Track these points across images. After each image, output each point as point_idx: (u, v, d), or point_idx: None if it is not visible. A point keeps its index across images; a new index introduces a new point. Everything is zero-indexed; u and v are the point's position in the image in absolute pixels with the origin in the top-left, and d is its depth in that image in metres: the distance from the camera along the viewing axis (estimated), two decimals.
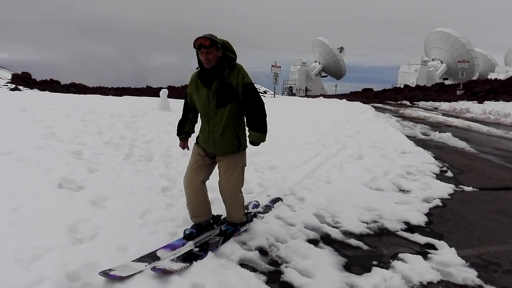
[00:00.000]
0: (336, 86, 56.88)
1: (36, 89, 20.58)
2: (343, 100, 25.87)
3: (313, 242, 3.81)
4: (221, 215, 4.09)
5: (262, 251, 3.54)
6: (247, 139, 3.59)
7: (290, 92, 54.33)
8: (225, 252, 3.44)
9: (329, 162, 7.06)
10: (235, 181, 3.56)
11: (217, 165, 3.68)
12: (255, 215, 4.19)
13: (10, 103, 12.24)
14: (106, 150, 6.70)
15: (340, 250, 3.68)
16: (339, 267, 3.35)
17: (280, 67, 32.54)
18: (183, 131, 3.79)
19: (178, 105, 14.57)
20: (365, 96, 32.55)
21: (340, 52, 58.33)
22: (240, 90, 3.34)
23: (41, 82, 24.93)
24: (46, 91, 20.47)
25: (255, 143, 3.53)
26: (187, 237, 3.56)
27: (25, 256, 2.99)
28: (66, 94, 20.86)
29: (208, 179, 3.69)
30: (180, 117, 3.79)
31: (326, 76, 61.16)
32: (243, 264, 3.30)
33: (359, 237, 4.03)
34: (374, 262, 3.46)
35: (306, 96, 44.21)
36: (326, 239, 3.92)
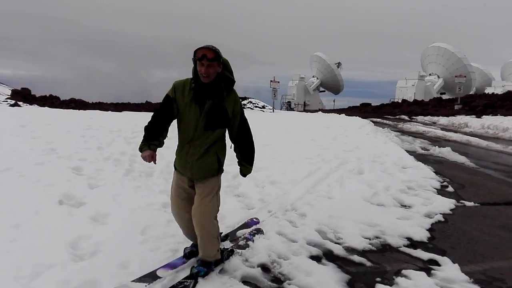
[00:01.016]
0: (334, 101, 57.11)
1: (35, 105, 20.65)
2: (342, 114, 25.97)
3: (316, 258, 3.77)
4: (221, 233, 3.89)
5: (265, 268, 3.51)
6: (239, 168, 3.46)
7: (289, 107, 54.53)
8: (227, 269, 3.41)
9: (330, 177, 7.04)
10: (210, 205, 3.19)
11: None
12: (232, 251, 3.70)
13: (10, 119, 12.26)
14: (106, 165, 6.69)
15: (343, 267, 3.64)
16: (342, 284, 3.32)
17: (278, 82, 32.68)
18: (161, 135, 3.15)
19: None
20: (364, 110, 32.69)
21: (338, 67, 58.76)
22: (238, 119, 3.18)
23: (41, 98, 25.02)
24: (46, 107, 20.53)
25: (246, 174, 3.45)
26: (187, 255, 3.49)
27: (25, 273, 2.97)
28: (66, 109, 20.91)
29: None
30: (150, 121, 3.16)
31: (324, 91, 61.47)
32: (246, 281, 3.26)
33: (362, 253, 3.99)
34: (378, 279, 3.43)
35: (305, 111, 44.39)
36: (329, 256, 3.88)
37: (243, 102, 34.29)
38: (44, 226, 3.88)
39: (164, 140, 3.22)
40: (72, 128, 10.67)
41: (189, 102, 3.02)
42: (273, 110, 31.27)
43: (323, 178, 6.97)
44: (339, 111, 33.02)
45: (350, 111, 32.50)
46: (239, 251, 3.75)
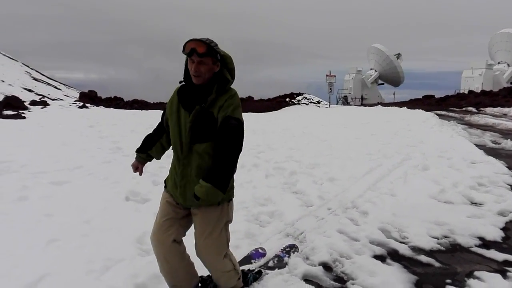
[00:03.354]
0: (394, 94, 54.91)
1: (101, 106, 21.89)
2: (403, 108, 24.89)
3: (380, 258, 3.64)
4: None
5: (326, 267, 3.43)
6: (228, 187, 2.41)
7: (345, 101, 53.31)
8: (288, 266, 3.38)
9: (393, 174, 6.77)
10: (215, 245, 2.52)
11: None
12: (259, 273, 3.17)
13: (79, 120, 13.08)
14: (168, 163, 6.91)
15: (409, 267, 3.48)
16: (409, 285, 3.17)
17: (335, 76, 32.03)
18: (150, 148, 2.77)
19: None
20: (427, 103, 31.11)
21: (398, 59, 56.48)
22: (219, 123, 2.34)
23: (106, 100, 26.47)
24: (111, 108, 21.71)
25: (197, 196, 2.27)
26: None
27: (96, 267, 3.13)
28: (129, 110, 21.98)
29: (183, 235, 2.63)
30: (152, 132, 2.83)
31: (383, 84, 59.38)
32: (307, 279, 3.21)
33: (430, 253, 3.79)
34: (448, 280, 3.24)
35: (362, 105, 43.18)
36: (394, 255, 3.73)
37: (298, 98, 33.95)
38: (113, 222, 4.08)
39: (158, 156, 2.80)
40: (135, 128, 11.19)
41: (176, 108, 2.45)
42: (329, 105, 30.73)
43: (385, 174, 6.72)
44: (400, 104, 31.69)
45: (412, 104, 31.08)
46: (268, 271, 3.24)
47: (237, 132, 2.31)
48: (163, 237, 2.52)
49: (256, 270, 3.18)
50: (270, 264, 3.38)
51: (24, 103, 15.89)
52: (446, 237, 4.16)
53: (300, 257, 3.54)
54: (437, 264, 3.55)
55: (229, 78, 2.43)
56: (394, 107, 27.23)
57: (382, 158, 8.06)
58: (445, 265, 3.53)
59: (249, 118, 16.43)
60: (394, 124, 14.67)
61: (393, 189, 5.78)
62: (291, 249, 3.62)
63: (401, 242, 4.00)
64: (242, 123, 2.37)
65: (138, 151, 2.80)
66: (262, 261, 3.43)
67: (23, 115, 12.36)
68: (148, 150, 2.77)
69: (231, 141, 2.29)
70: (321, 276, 3.25)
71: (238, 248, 3.68)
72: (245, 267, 3.17)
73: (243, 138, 2.35)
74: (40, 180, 5.34)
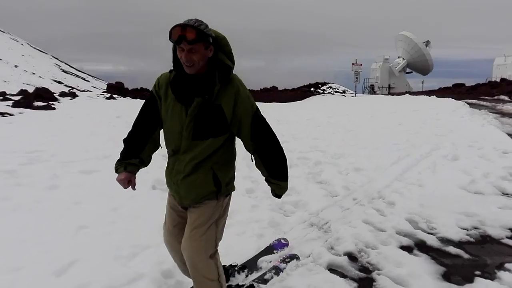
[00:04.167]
0: (423, 82, 53.48)
1: (128, 97, 22.23)
2: (432, 96, 24.22)
3: (407, 249, 3.58)
4: (235, 265, 3.15)
5: (351, 257, 3.40)
6: (270, 188, 2.47)
7: (372, 90, 52.35)
8: (311, 253, 3.37)
9: (421, 164, 6.62)
10: (203, 239, 2.26)
11: None
12: (251, 287, 2.88)
13: (107, 110, 13.34)
14: None
15: (437, 258, 3.41)
16: (437, 276, 3.11)
17: (361, 64, 31.40)
18: (136, 154, 2.35)
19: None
20: (457, 92, 30.14)
21: (426, 46, 54.88)
22: (247, 123, 2.20)
23: (132, 91, 26.86)
24: (138, 99, 22.05)
25: (280, 195, 2.47)
26: None
27: (124, 253, 3.20)
28: None
29: None
30: (130, 130, 2.40)
31: (411, 72, 57.92)
32: (332, 269, 3.19)
33: (459, 244, 3.70)
34: (477, 272, 3.16)
35: (390, 94, 42.33)
36: (421, 246, 3.66)
37: (322, 88, 33.55)
38: (140, 209, 4.16)
39: (151, 156, 2.43)
40: None
41: (172, 101, 2.19)
42: (355, 95, 30.24)
43: (413, 164, 6.57)
44: (429, 93, 30.85)
45: (441, 92, 30.20)
46: (262, 285, 2.94)
47: (266, 122, 2.29)
48: (175, 243, 2.42)
49: (248, 284, 2.90)
50: (267, 276, 3.03)
51: (54, 94, 16.31)
52: (476, 228, 4.05)
53: (324, 247, 3.52)
54: (466, 256, 3.47)
55: (229, 64, 2.18)
56: (422, 96, 26.55)
57: (410, 148, 7.88)
58: (475, 257, 3.45)
59: (273, 108, 16.38)
60: (422, 113, 14.30)
61: (421, 180, 5.66)
62: (291, 259, 3.27)
63: (429, 233, 3.92)
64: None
65: (126, 157, 2.33)
66: (277, 256, 3.27)
67: (53, 106, 12.69)
68: (139, 153, 2.34)
69: (271, 135, 2.28)
70: (346, 266, 3.23)
71: (262, 237, 3.69)
72: (234, 282, 2.93)
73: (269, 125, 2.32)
74: (70, 169, 5.49)
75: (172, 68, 2.22)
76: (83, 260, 3.05)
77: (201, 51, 2.03)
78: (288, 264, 3.19)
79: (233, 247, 3.41)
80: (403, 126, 11.08)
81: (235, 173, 2.44)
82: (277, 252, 3.33)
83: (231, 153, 2.35)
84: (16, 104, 12.04)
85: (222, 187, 2.29)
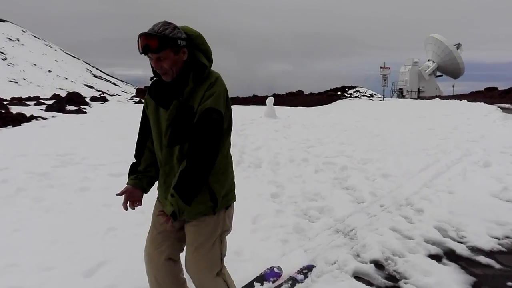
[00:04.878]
0: (453, 86, 52.05)
1: None
2: (463, 101, 23.54)
3: (435, 257, 3.51)
4: None
5: (378, 265, 3.35)
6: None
7: (400, 94, 51.36)
8: (336, 260, 3.33)
9: (451, 170, 6.44)
10: (206, 259, 2.11)
11: None
12: None
13: (136, 114, 13.60)
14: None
15: (467, 268, 3.33)
16: (466, 286, 3.05)
17: (389, 68, 30.90)
18: (135, 166, 2.24)
19: (283, 112, 14.78)
20: (489, 96, 29.21)
21: (457, 49, 53.43)
22: (196, 118, 1.94)
23: None
24: None
25: (169, 211, 1.94)
26: None
27: None
28: None
29: (180, 251, 2.28)
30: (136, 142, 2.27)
31: (441, 76, 56.49)
32: (358, 277, 3.16)
33: (490, 254, 3.60)
34: (509, 283, 3.08)
35: (419, 98, 41.43)
36: (450, 255, 3.57)
37: (349, 92, 33.17)
38: None
39: (153, 165, 2.21)
40: None
41: (153, 107, 2.08)
42: (383, 98, 29.76)
43: (442, 171, 6.41)
44: (460, 97, 30.01)
45: (473, 96, 29.33)
46: None
47: (216, 127, 1.94)
48: (154, 253, 2.19)
49: None
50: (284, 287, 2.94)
51: (85, 99, 16.82)
52: (508, 237, 3.95)
53: (350, 254, 3.48)
54: (497, 266, 3.37)
55: (205, 62, 2.00)
56: (453, 100, 25.87)
57: (440, 154, 7.69)
58: (507, 267, 3.35)
59: (299, 112, 16.32)
60: (453, 118, 13.93)
61: (451, 186, 5.52)
62: (308, 270, 3.15)
63: (458, 242, 3.83)
64: (223, 116, 1.98)
65: (130, 171, 2.24)
66: (276, 284, 2.99)
67: (84, 110, 13.07)
68: (138, 166, 2.22)
69: (208, 138, 1.91)
70: (372, 274, 3.18)
71: (287, 242, 3.68)
72: None
73: (221, 135, 1.98)
74: (100, 171, 5.64)
75: (151, 76, 2.09)
76: (111, 262, 3.12)
77: (170, 58, 1.90)
78: (305, 275, 3.08)
79: (258, 252, 3.42)
80: (433, 131, 10.83)
81: (235, 180, 2.23)
82: (268, 283, 2.98)
83: (225, 159, 2.11)
84: (49, 108, 12.47)
85: (219, 201, 2.07)
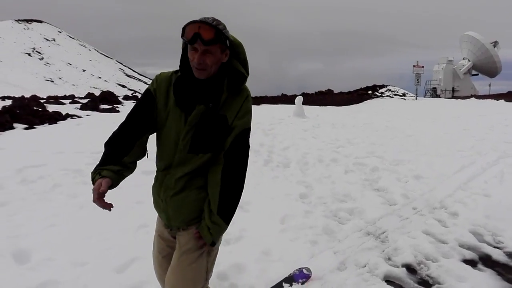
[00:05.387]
0: (490, 85, 50.35)
1: None
2: (500, 100, 22.69)
3: (470, 263, 3.39)
4: None
5: (410, 269, 3.27)
6: (202, 225, 1.89)
7: (434, 93, 49.98)
8: (367, 263, 3.28)
9: (487, 173, 6.22)
10: (191, 268, 1.92)
11: None
12: None
13: None
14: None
15: (504, 275, 3.21)
16: None
17: (423, 66, 30.15)
18: (118, 158, 1.90)
19: (312, 111, 14.67)
20: None
21: (494, 47, 51.48)
22: (233, 135, 1.85)
23: None
24: None
25: (211, 240, 1.88)
26: None
27: None
28: None
29: None
30: (115, 131, 1.97)
31: (477, 75, 54.61)
32: (389, 280, 3.09)
33: None
34: None
35: (453, 97, 40.22)
36: (486, 261, 3.44)
37: (380, 91, 32.57)
38: None
39: (136, 164, 2.01)
40: None
41: (173, 106, 1.88)
42: (416, 98, 29.05)
43: (478, 173, 6.19)
44: (496, 96, 28.92)
45: (510, 96, 28.24)
46: None
47: (247, 148, 1.91)
48: (163, 275, 2.08)
49: None
50: None
51: (118, 97, 17.22)
52: None
53: (381, 257, 3.42)
54: None
55: (244, 72, 1.88)
56: (489, 99, 24.96)
57: (476, 155, 7.44)
58: None
59: (328, 112, 16.16)
60: (489, 118, 13.44)
61: (487, 189, 5.32)
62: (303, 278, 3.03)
63: (495, 247, 3.69)
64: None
65: (104, 162, 1.88)
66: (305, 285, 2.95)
67: (117, 108, 13.39)
68: (123, 156, 1.91)
69: (245, 161, 1.90)
70: (404, 278, 3.11)
71: (316, 244, 3.65)
72: None
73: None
74: None
75: (178, 68, 1.90)
76: (143, 258, 3.18)
77: (216, 54, 1.76)
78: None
79: (287, 253, 3.41)
80: (468, 131, 10.49)
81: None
82: (297, 284, 2.98)
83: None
84: (83, 107, 12.85)
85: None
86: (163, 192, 1.92)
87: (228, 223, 1.87)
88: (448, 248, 3.61)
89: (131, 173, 2.01)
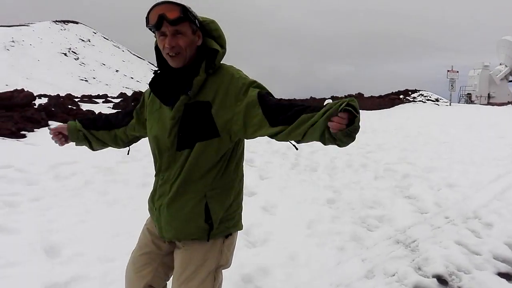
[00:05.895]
0: None
1: None
2: None
3: (505, 276, 3.24)
4: None
5: (441, 280, 3.15)
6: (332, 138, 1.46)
7: (469, 99, 48.43)
8: (396, 273, 3.19)
9: None
10: None
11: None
12: None
13: None
14: (274, 158, 7.05)
15: None
16: None
17: (457, 72, 29.33)
18: (96, 129, 2.03)
19: None
20: None
21: None
22: (254, 102, 1.55)
23: None
24: None
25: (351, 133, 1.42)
26: None
27: None
28: None
29: (163, 279, 1.89)
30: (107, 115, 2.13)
31: None
32: None
33: None
34: None
35: (489, 103, 38.88)
36: None
37: (413, 95, 31.80)
38: None
39: (94, 144, 2.12)
40: None
41: (158, 106, 1.74)
42: (450, 104, 28.23)
43: None
44: None
45: None
46: None
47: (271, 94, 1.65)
48: (134, 277, 1.83)
49: None
50: None
51: None
52: None
53: (411, 267, 3.32)
54: None
55: (217, 47, 1.66)
56: None
57: None
58: None
59: None
60: None
61: None
62: None
63: None
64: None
65: (80, 119, 2.09)
66: None
67: None
68: (92, 128, 2.02)
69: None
70: None
71: (343, 250, 3.58)
72: None
73: None
74: None
75: (155, 69, 1.78)
76: None
77: (188, 34, 1.57)
78: None
79: (313, 258, 3.37)
80: (505, 139, 10.08)
81: (243, 205, 1.84)
82: None
83: (233, 174, 1.73)
84: (116, 107, 13.19)
85: (215, 225, 1.67)
86: (157, 199, 1.73)
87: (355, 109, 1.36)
88: (481, 260, 3.46)
89: (88, 147, 2.15)
